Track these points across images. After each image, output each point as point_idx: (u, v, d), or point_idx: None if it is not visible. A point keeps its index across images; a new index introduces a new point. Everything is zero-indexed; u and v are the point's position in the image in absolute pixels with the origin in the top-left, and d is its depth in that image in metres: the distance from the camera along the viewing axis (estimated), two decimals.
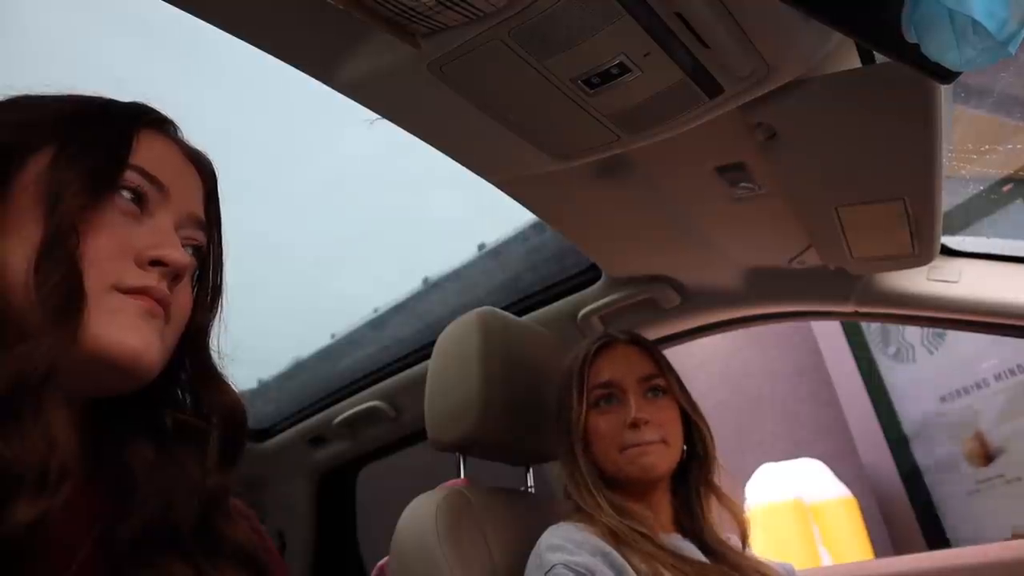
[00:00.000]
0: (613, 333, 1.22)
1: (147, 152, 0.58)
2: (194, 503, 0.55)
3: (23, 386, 0.46)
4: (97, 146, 0.55)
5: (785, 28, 0.76)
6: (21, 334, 0.47)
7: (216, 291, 0.64)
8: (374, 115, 0.93)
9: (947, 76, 0.70)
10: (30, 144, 0.54)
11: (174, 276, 0.56)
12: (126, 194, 0.56)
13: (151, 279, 0.54)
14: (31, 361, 0.46)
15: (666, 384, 1.17)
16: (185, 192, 0.61)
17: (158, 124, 0.62)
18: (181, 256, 0.56)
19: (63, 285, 0.49)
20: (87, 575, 0.50)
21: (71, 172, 0.53)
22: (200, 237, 0.62)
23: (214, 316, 0.64)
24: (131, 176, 0.56)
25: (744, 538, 1.17)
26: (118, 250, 0.53)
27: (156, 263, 0.55)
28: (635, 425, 1.10)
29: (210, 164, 0.66)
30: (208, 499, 0.57)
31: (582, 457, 1.11)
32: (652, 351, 1.21)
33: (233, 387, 0.63)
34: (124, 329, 0.52)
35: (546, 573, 0.97)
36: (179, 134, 0.64)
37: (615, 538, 1.02)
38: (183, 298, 0.59)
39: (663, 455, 1.11)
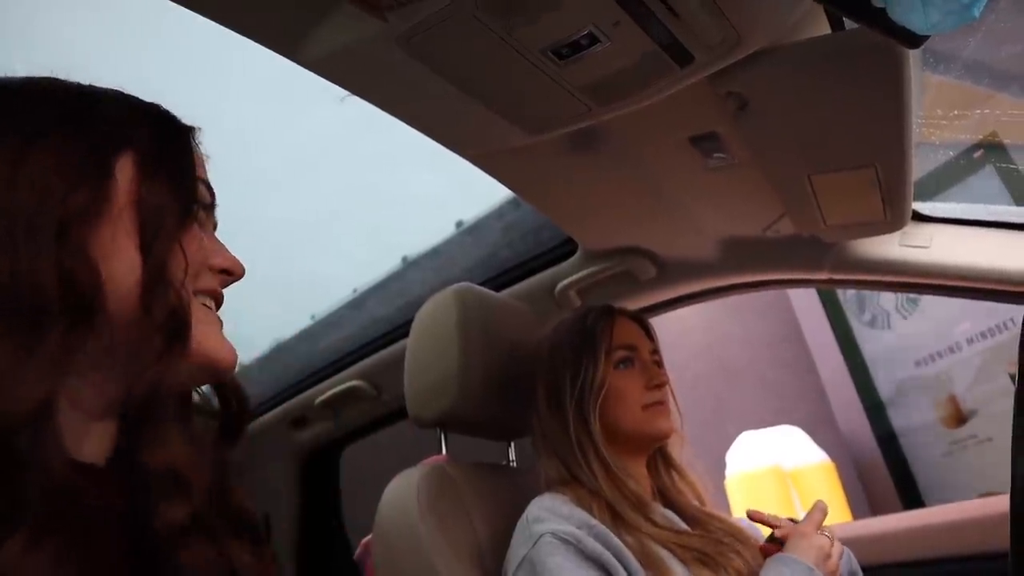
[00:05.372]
0: (616, 307, 1.25)
1: (199, 163, 0.61)
2: (214, 479, 0.58)
3: (157, 402, 0.52)
4: (174, 160, 0.58)
5: None
6: (137, 351, 0.51)
7: None
8: (346, 91, 0.92)
9: (915, 40, 0.70)
10: (116, 143, 0.55)
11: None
12: (198, 208, 0.60)
13: (217, 283, 0.60)
14: (161, 378, 0.51)
15: (662, 359, 1.22)
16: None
17: (195, 133, 0.64)
18: (241, 266, 0.61)
19: (173, 312, 0.53)
20: (124, 556, 0.50)
21: (163, 194, 0.55)
22: None
23: None
24: (202, 191, 0.60)
25: (701, 502, 1.19)
26: (200, 261, 0.58)
27: (224, 272, 0.60)
28: (660, 386, 1.15)
29: None
30: (221, 474, 0.60)
31: (594, 415, 1.11)
32: (651, 328, 1.25)
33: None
34: (220, 340, 0.58)
35: (534, 544, 0.98)
36: None
37: (607, 508, 1.04)
38: None
39: (671, 419, 1.15)
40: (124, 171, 0.54)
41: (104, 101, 0.57)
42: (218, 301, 0.61)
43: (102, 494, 0.50)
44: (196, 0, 0.78)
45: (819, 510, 1.08)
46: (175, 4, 0.76)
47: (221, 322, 0.60)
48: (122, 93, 0.59)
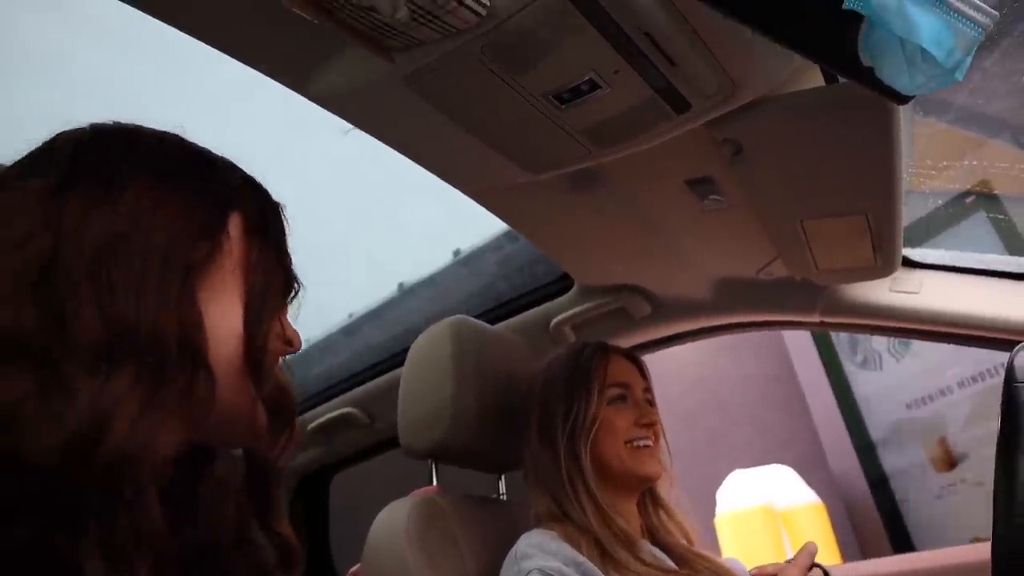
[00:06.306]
0: (611, 344, 1.25)
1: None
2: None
3: (277, 479, 0.58)
4: (274, 231, 0.62)
5: (750, 48, 0.79)
6: (237, 414, 0.55)
7: None
8: (348, 124, 0.94)
9: (902, 98, 0.72)
10: (230, 203, 0.58)
11: None
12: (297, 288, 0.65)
13: (282, 351, 0.63)
14: (285, 462, 0.57)
15: (654, 399, 1.22)
16: None
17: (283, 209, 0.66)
18: (301, 342, 0.64)
19: (280, 388, 0.57)
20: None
21: (270, 264, 0.59)
22: None
23: None
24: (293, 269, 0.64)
25: (690, 542, 1.19)
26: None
27: (288, 343, 0.63)
28: (649, 424, 1.15)
29: None
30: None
31: (585, 451, 1.12)
32: (645, 367, 1.26)
33: None
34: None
35: None
36: None
37: (596, 545, 1.04)
38: None
39: (659, 460, 1.16)
40: (234, 229, 0.57)
41: (219, 164, 0.61)
42: None
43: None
44: (211, 34, 0.80)
45: (807, 553, 1.07)
46: (185, 35, 0.79)
47: None
48: (229, 160, 0.62)
